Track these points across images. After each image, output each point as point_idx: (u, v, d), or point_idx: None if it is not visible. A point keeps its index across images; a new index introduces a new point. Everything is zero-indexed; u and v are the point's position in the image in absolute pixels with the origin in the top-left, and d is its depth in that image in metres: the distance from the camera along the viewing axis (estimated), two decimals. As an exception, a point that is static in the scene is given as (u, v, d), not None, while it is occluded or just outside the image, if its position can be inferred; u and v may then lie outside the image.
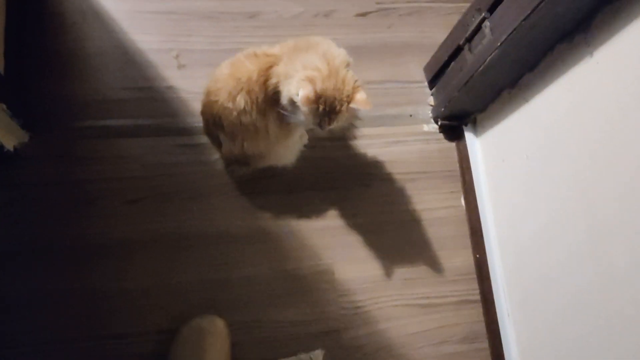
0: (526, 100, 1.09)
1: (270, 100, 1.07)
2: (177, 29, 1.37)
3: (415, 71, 1.43)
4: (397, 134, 1.39)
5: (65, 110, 1.26)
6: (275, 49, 1.07)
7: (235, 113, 1.07)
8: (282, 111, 1.06)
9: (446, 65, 1.29)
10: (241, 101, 1.06)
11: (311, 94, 0.94)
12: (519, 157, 1.13)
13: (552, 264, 1.07)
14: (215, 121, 1.12)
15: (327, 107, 0.98)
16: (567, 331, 1.04)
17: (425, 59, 1.42)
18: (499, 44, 1.00)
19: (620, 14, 0.82)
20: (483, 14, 1.07)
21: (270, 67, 1.04)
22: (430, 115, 1.40)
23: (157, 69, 1.33)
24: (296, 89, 0.97)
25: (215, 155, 1.26)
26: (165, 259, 1.22)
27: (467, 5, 1.46)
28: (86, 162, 1.24)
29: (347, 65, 1.03)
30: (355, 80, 1.01)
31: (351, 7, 1.46)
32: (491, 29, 1.05)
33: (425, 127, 1.40)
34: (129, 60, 1.32)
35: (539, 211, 1.10)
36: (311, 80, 0.96)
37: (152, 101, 1.31)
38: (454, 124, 1.37)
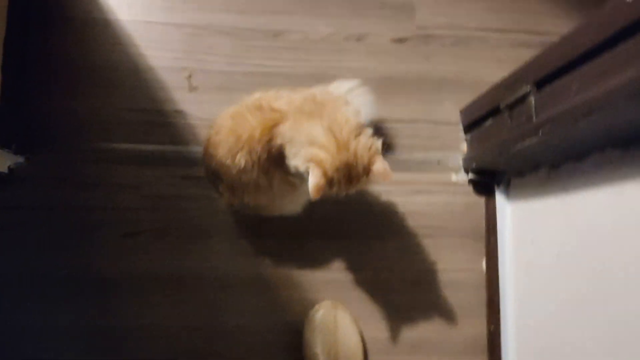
0: (566, 191, 0.94)
1: (273, 159, 0.96)
2: (192, 45, 1.25)
3: (451, 111, 1.28)
4: (422, 181, 1.26)
5: (66, 130, 1.19)
6: (282, 103, 0.96)
7: (234, 171, 0.98)
8: (288, 176, 0.97)
9: (484, 118, 1.14)
10: (241, 160, 0.96)
11: (321, 182, 0.84)
12: (549, 251, 0.99)
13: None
14: (214, 172, 1.03)
15: (341, 182, 0.88)
16: None
17: (464, 97, 1.26)
18: (541, 133, 0.85)
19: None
20: (529, 87, 0.91)
21: (275, 125, 0.93)
22: (461, 164, 1.26)
23: (167, 90, 1.23)
24: (304, 166, 0.87)
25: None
26: (157, 300, 1.16)
27: (520, 37, 1.30)
28: (84, 188, 1.18)
29: (359, 128, 0.91)
30: (370, 147, 0.89)
31: (387, 30, 1.30)
32: (535, 109, 0.89)
33: (454, 177, 1.26)
34: (138, 78, 1.22)
35: (563, 310, 0.97)
36: (319, 163, 0.85)
37: (158, 126, 1.21)
38: (486, 180, 1.22)
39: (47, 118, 1.19)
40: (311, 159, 0.87)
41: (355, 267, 1.22)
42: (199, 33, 1.26)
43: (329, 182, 0.87)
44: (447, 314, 1.22)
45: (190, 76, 1.23)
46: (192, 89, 1.23)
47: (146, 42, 1.24)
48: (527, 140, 0.91)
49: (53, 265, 1.15)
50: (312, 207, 1.16)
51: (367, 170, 0.88)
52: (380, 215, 1.24)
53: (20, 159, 1.15)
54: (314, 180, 0.84)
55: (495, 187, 1.21)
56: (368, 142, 0.88)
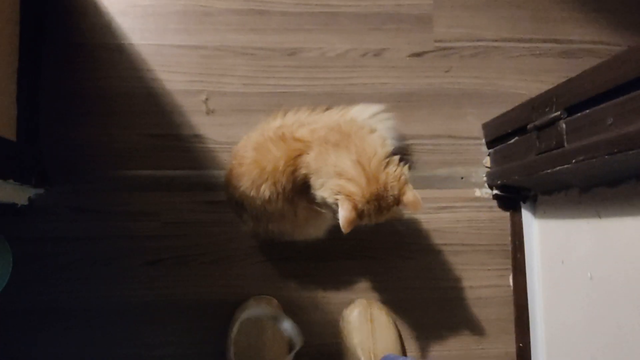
0: (599, 215, 0.92)
1: (298, 189, 0.95)
2: (207, 67, 1.22)
3: (473, 125, 1.25)
4: (445, 198, 1.24)
5: (84, 158, 1.18)
6: (305, 132, 0.94)
7: (259, 202, 0.97)
8: (312, 204, 0.95)
9: (509, 135, 1.11)
10: (266, 192, 0.95)
11: (352, 215, 0.84)
12: (581, 272, 0.97)
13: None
14: (237, 203, 1.02)
15: (371, 214, 0.87)
16: None
17: (486, 111, 1.24)
18: (573, 161, 0.83)
19: None
20: (560, 112, 0.88)
21: (299, 155, 0.92)
22: (485, 179, 1.24)
23: (184, 114, 1.21)
24: (332, 197, 0.87)
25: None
26: (182, 327, 1.15)
27: (541, 46, 1.27)
28: (104, 217, 1.17)
29: (387, 157, 0.89)
30: (400, 177, 0.88)
31: (405, 45, 1.27)
32: (567, 134, 0.87)
33: (478, 192, 1.24)
34: (154, 103, 1.20)
35: (596, 330, 0.96)
36: (349, 196, 0.83)
37: (176, 151, 1.20)
38: (510, 195, 1.20)
39: (63, 148, 1.17)
40: (340, 192, 0.85)
41: (380, 287, 1.20)
42: (214, 54, 1.23)
43: (360, 214, 0.86)
44: (475, 331, 1.20)
45: (206, 99, 1.21)
46: (209, 112, 1.21)
47: (160, 65, 1.22)
48: (558, 166, 0.89)
49: (74, 296, 1.14)
50: (335, 228, 1.14)
51: (397, 201, 0.87)
52: (404, 234, 1.22)
53: (40, 191, 1.13)
54: (344, 214, 0.83)
55: (521, 203, 1.19)
56: (397, 172, 0.87)
